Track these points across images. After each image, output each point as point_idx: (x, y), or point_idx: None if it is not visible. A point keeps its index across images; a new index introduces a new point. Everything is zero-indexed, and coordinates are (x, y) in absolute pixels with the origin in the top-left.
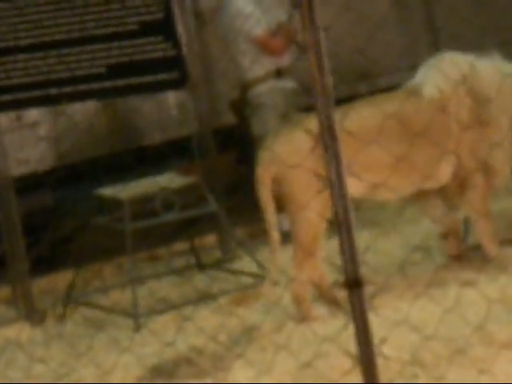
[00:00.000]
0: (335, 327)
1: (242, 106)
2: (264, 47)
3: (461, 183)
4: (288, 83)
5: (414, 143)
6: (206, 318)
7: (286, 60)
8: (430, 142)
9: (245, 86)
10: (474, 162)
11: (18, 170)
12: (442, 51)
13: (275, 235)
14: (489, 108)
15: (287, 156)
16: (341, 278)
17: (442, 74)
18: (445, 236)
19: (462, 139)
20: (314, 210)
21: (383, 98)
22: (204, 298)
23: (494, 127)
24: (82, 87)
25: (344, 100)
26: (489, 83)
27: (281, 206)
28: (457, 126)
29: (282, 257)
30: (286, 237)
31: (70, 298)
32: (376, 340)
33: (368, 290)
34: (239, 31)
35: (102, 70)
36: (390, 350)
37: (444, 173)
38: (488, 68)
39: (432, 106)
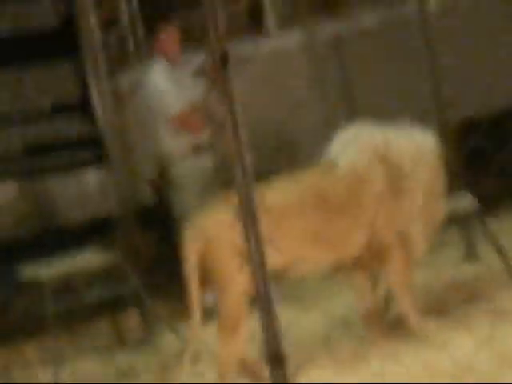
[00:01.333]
0: None
1: (162, 184)
2: (182, 126)
3: (379, 256)
4: (207, 160)
5: (331, 216)
6: None
7: (204, 137)
8: (346, 214)
9: (164, 165)
10: (391, 233)
11: None
12: (356, 122)
13: (198, 312)
14: (404, 180)
15: (211, 232)
16: (263, 354)
17: (356, 146)
18: (366, 320)
19: (378, 211)
20: (239, 286)
21: (301, 174)
22: (127, 375)
23: (409, 199)
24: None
25: (264, 174)
26: (403, 154)
27: (204, 282)
28: (372, 197)
29: (205, 333)
30: (210, 313)
31: None
32: None
33: (290, 365)
34: (157, 109)
35: (20, 149)
36: None
37: (359, 245)
38: (403, 138)
39: (347, 178)
